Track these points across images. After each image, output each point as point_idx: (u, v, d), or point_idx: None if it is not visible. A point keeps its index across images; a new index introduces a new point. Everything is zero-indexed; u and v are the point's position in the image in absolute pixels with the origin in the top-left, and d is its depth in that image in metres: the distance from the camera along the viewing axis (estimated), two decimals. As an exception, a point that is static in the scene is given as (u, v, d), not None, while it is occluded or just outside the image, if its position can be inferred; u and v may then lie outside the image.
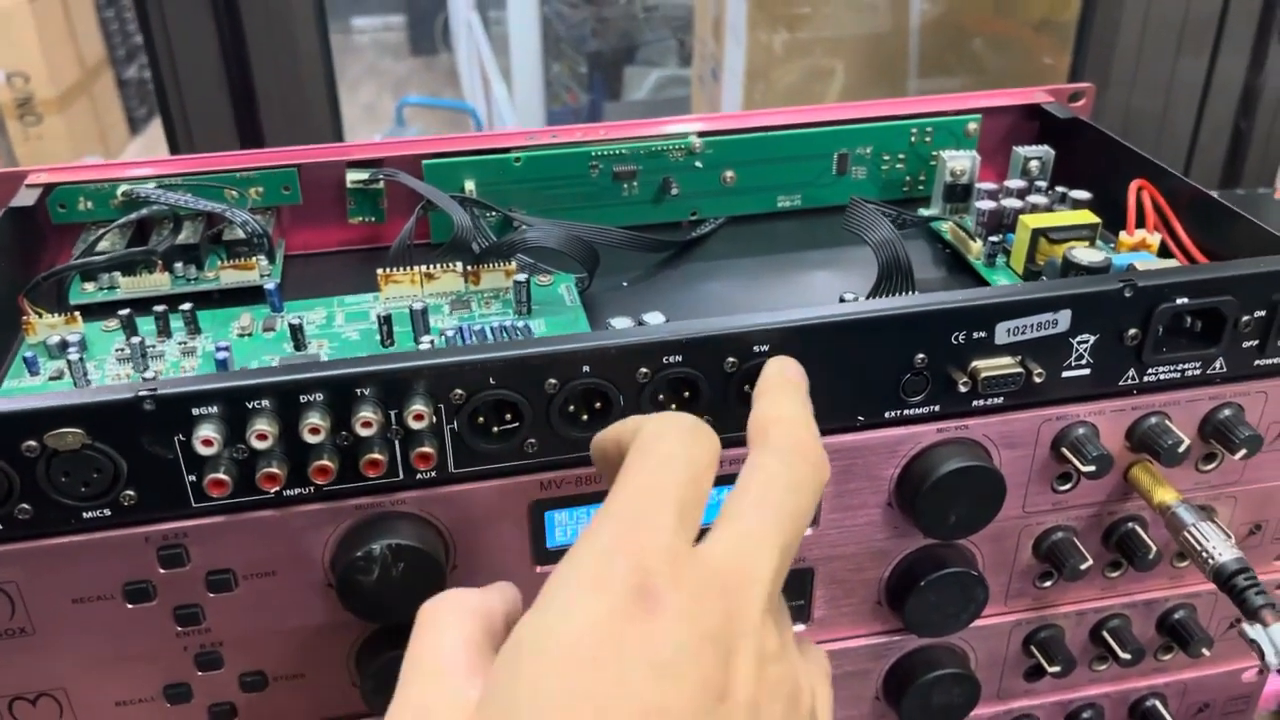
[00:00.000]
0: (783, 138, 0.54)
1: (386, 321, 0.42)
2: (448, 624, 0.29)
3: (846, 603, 0.44)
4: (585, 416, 0.38)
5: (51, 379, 0.41)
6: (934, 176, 0.55)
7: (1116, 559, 0.46)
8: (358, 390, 0.35)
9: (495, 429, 0.37)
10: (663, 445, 0.29)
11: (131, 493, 0.35)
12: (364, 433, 0.35)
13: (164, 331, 0.44)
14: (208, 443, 0.34)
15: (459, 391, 0.36)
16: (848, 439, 0.40)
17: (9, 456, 0.33)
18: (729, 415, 0.38)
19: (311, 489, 0.37)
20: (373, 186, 0.51)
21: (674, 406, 0.38)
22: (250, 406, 0.34)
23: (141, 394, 0.34)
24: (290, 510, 0.37)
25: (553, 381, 0.36)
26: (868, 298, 0.44)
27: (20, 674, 0.38)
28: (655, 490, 0.28)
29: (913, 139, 0.55)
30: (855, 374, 0.39)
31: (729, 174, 0.54)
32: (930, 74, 1.39)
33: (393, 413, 0.36)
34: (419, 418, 0.36)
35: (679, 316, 0.42)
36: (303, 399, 0.35)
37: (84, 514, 0.35)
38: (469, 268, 0.46)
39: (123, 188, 0.49)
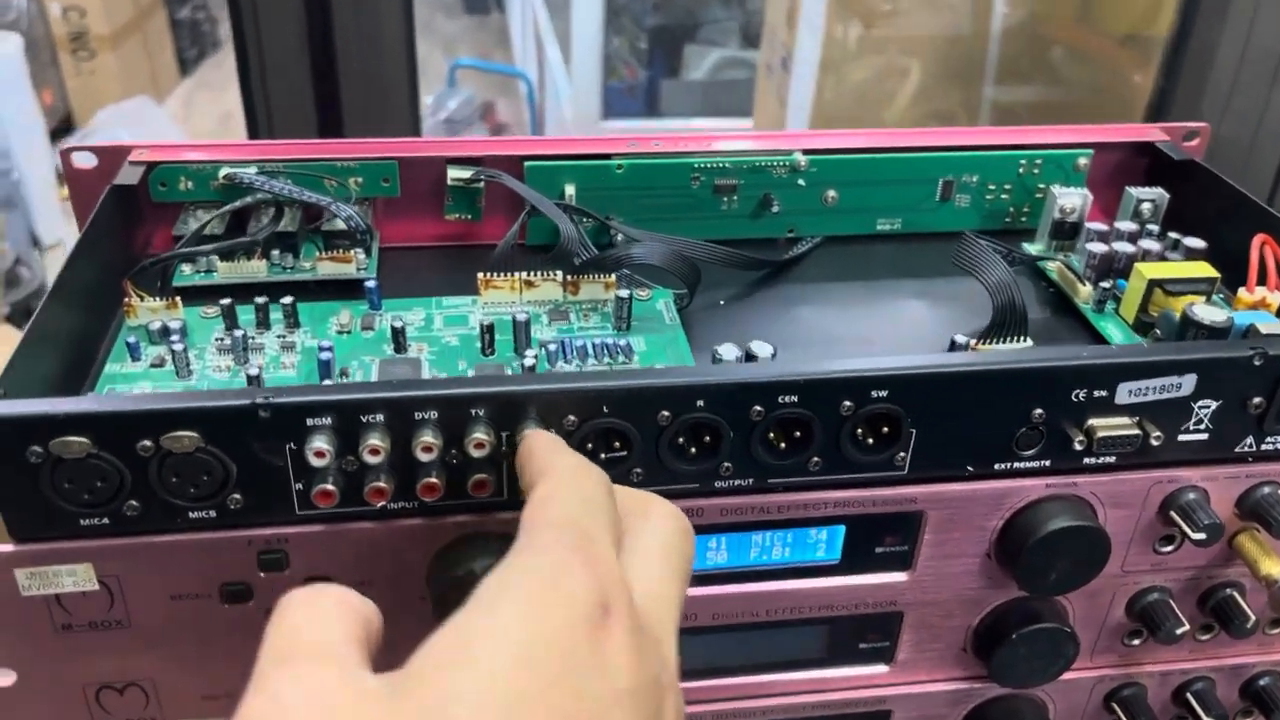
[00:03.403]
0: (889, 160, 0.53)
1: (489, 331, 0.42)
2: (332, 614, 0.26)
3: (932, 647, 0.44)
4: (693, 450, 0.37)
5: (153, 366, 0.41)
6: (1040, 209, 0.53)
7: (1209, 622, 0.45)
8: (473, 410, 0.35)
9: (603, 455, 0.37)
10: (589, 485, 0.30)
11: (238, 496, 0.35)
12: (476, 454, 0.35)
13: (263, 323, 0.43)
14: (320, 454, 0.34)
15: (572, 418, 0.35)
16: (954, 488, 0.39)
17: (123, 454, 0.33)
18: (839, 458, 0.38)
19: (415, 504, 0.36)
20: (473, 185, 0.50)
21: (783, 445, 0.38)
22: (364, 420, 0.34)
23: (258, 401, 0.33)
24: (392, 524, 0.37)
25: (665, 414, 0.36)
26: (979, 340, 0.43)
27: (112, 664, 0.38)
28: (596, 516, 0.28)
29: (1021, 170, 0.54)
30: (970, 424, 0.38)
31: (831, 193, 0.53)
32: (1007, 80, 1.36)
33: (504, 434, 0.35)
34: (530, 442, 0.35)
35: (780, 344, 0.41)
36: (417, 416, 0.34)
37: (190, 514, 0.35)
38: (569, 277, 0.45)
39: (224, 170, 0.48)
